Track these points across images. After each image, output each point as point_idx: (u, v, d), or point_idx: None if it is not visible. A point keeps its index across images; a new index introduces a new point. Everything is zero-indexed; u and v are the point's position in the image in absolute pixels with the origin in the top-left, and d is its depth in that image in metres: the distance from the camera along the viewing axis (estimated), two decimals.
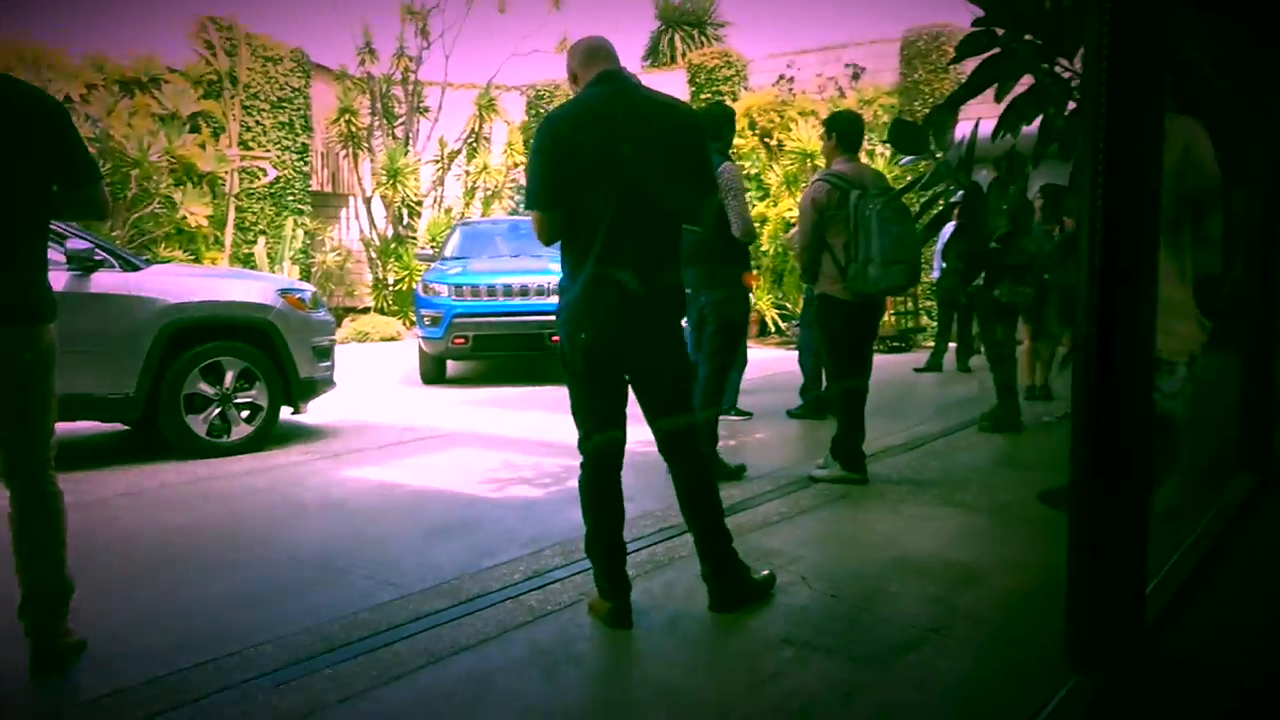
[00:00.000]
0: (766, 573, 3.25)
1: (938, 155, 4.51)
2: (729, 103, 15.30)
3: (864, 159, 11.10)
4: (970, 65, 3.73)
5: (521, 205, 16.41)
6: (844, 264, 4.64)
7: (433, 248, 13.09)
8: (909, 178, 9.89)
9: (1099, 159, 0.71)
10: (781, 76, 15.65)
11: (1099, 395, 0.76)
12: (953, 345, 10.10)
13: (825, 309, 4.80)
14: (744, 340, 6.94)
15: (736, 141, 14.72)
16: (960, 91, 4.01)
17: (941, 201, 4.70)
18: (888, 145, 11.41)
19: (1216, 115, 3.01)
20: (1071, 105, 3.83)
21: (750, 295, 7.60)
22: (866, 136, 11.39)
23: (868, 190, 4.60)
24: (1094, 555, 0.78)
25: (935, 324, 10.91)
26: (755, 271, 13.53)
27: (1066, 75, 3.76)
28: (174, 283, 5.87)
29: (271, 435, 6.21)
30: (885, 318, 12.54)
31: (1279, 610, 1.10)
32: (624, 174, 2.81)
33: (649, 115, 2.89)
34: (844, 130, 4.81)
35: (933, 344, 10.55)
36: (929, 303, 12.59)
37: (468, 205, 17.10)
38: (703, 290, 4.90)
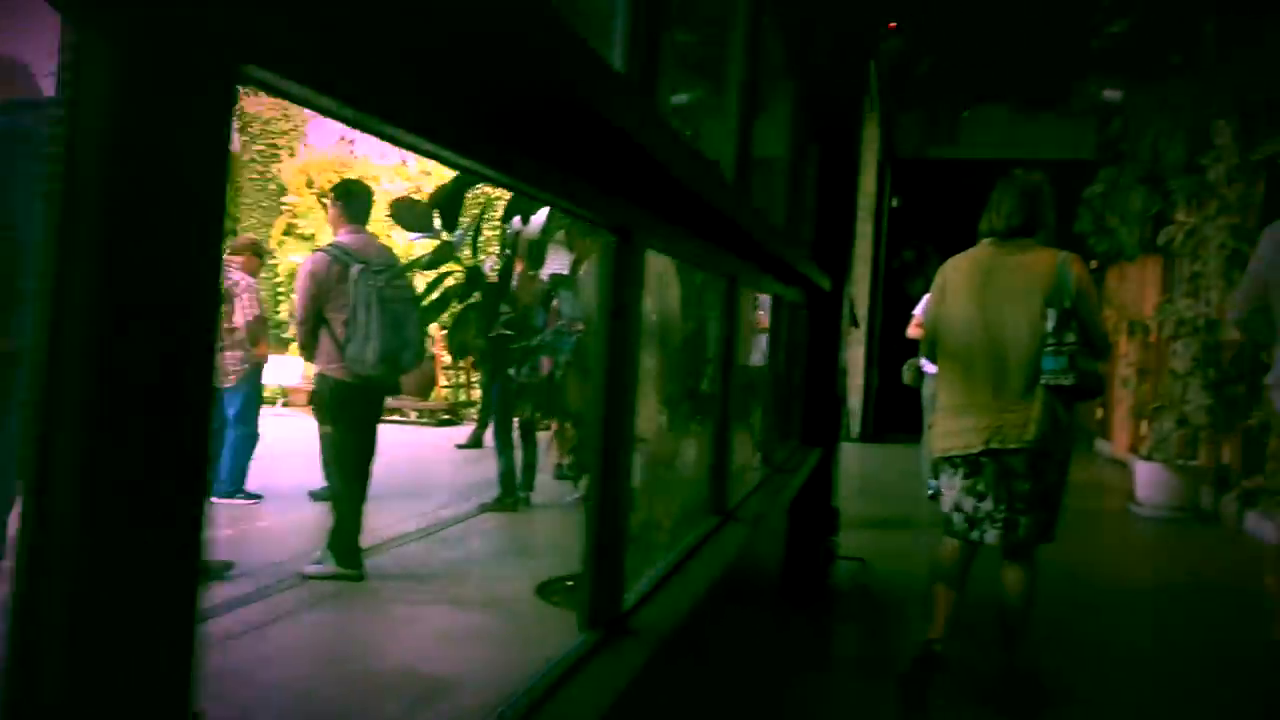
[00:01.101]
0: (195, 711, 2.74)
1: (443, 236, 4.39)
2: (285, 158, 14.51)
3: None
4: None
5: None
6: (343, 342, 4.31)
7: None
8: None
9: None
10: (343, 138, 15.16)
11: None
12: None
13: (321, 389, 4.41)
14: (255, 414, 6.30)
15: (291, 200, 13.95)
16: (464, 176, 3.90)
17: (450, 280, 4.57)
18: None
19: None
20: None
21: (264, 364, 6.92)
22: None
23: (371, 265, 4.32)
24: None
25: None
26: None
27: None
28: None
29: None
30: (436, 390, 12.40)
31: None
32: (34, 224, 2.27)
33: None
34: (350, 199, 4.51)
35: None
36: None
37: None
38: None
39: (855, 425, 11.02)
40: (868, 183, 11.02)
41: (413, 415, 12.24)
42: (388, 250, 4.61)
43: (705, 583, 1.55)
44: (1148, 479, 7.00)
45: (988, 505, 3.09)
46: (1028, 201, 3.12)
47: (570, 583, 4.58)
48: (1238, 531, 6.31)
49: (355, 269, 4.30)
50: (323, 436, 4.53)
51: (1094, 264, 10.68)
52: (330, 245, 4.42)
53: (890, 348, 11.19)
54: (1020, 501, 3.05)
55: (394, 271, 4.38)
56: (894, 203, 12.36)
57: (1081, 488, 7.86)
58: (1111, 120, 8.75)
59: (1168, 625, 4.52)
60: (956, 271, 3.20)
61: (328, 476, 6.65)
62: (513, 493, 6.21)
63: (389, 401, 10.99)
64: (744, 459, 3.37)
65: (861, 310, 11.07)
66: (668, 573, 1.58)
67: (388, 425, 11.36)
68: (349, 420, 4.44)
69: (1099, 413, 10.62)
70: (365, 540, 4.94)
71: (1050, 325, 2.98)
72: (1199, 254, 6.81)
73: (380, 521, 5.73)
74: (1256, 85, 5.96)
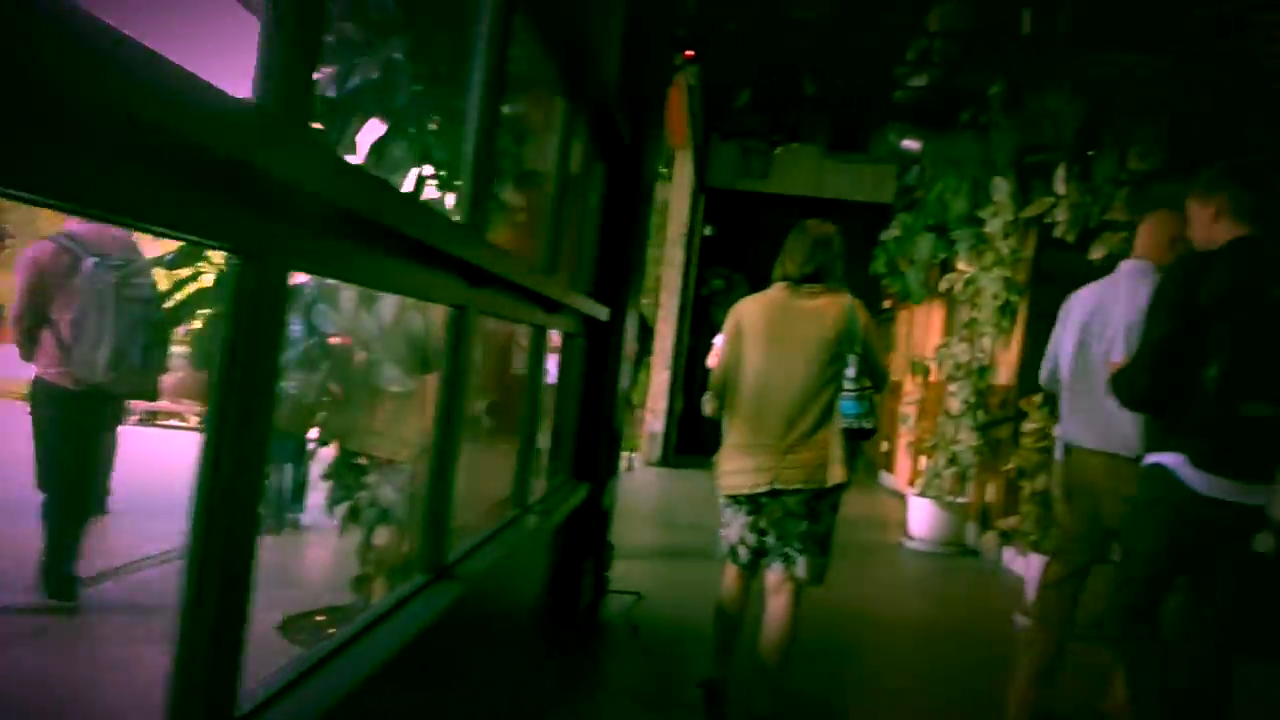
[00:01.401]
0: None
1: None
2: None
3: None
4: None
5: None
6: (69, 344, 3.82)
7: None
8: None
9: None
10: None
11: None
12: None
13: (38, 395, 3.90)
14: None
15: None
16: None
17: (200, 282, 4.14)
18: None
19: None
20: None
21: None
22: None
23: (107, 258, 3.86)
24: None
25: None
26: None
27: None
28: None
29: None
30: None
31: None
32: None
33: None
34: None
35: None
36: None
37: None
38: None
39: (658, 450, 11.03)
40: (680, 209, 11.10)
41: (192, 421, 11.32)
42: (129, 243, 4.12)
43: (375, 664, 1.34)
44: (919, 514, 7.29)
45: (770, 540, 3.17)
46: (820, 251, 3.20)
47: (321, 617, 4.23)
48: (997, 566, 6.64)
49: (88, 262, 3.83)
50: (38, 449, 4.00)
51: (887, 304, 11.18)
52: (60, 234, 3.92)
53: (695, 373, 11.31)
54: (798, 540, 3.12)
55: (134, 268, 3.93)
56: (706, 231, 12.53)
57: (861, 520, 8.13)
58: (909, 169, 9.16)
59: (924, 656, 4.65)
60: (750, 313, 3.24)
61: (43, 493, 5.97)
62: (279, 513, 5.76)
63: (163, 405, 10.20)
64: (498, 495, 3.18)
65: (670, 336, 11.12)
66: (329, 654, 1.35)
67: (162, 431, 10.54)
68: (69, 432, 3.94)
69: (884, 445, 11.08)
70: (100, 564, 4.42)
71: (852, 372, 3.06)
72: (975, 302, 7.17)
73: (124, 542, 5.17)
74: (1031, 148, 6.34)
